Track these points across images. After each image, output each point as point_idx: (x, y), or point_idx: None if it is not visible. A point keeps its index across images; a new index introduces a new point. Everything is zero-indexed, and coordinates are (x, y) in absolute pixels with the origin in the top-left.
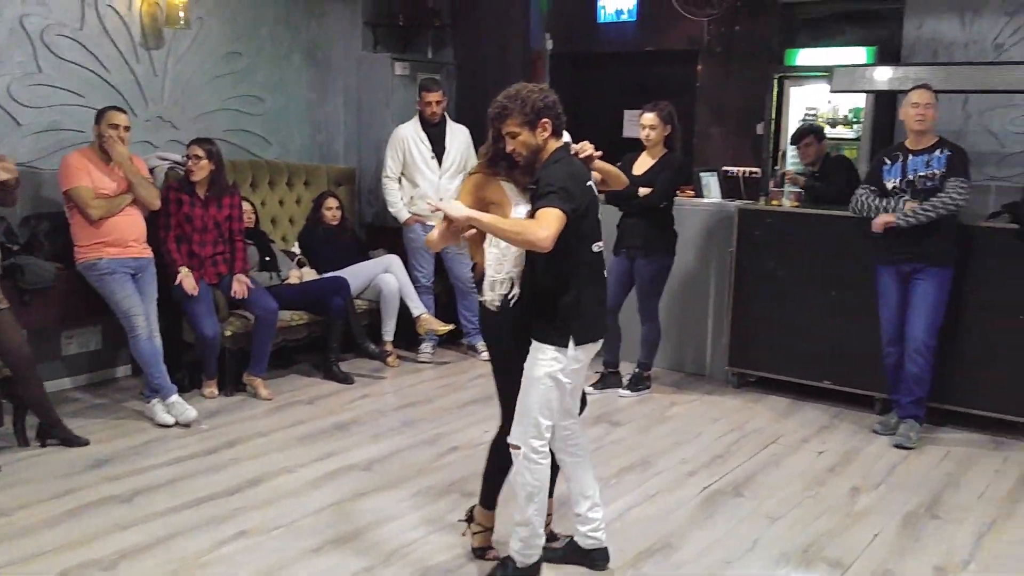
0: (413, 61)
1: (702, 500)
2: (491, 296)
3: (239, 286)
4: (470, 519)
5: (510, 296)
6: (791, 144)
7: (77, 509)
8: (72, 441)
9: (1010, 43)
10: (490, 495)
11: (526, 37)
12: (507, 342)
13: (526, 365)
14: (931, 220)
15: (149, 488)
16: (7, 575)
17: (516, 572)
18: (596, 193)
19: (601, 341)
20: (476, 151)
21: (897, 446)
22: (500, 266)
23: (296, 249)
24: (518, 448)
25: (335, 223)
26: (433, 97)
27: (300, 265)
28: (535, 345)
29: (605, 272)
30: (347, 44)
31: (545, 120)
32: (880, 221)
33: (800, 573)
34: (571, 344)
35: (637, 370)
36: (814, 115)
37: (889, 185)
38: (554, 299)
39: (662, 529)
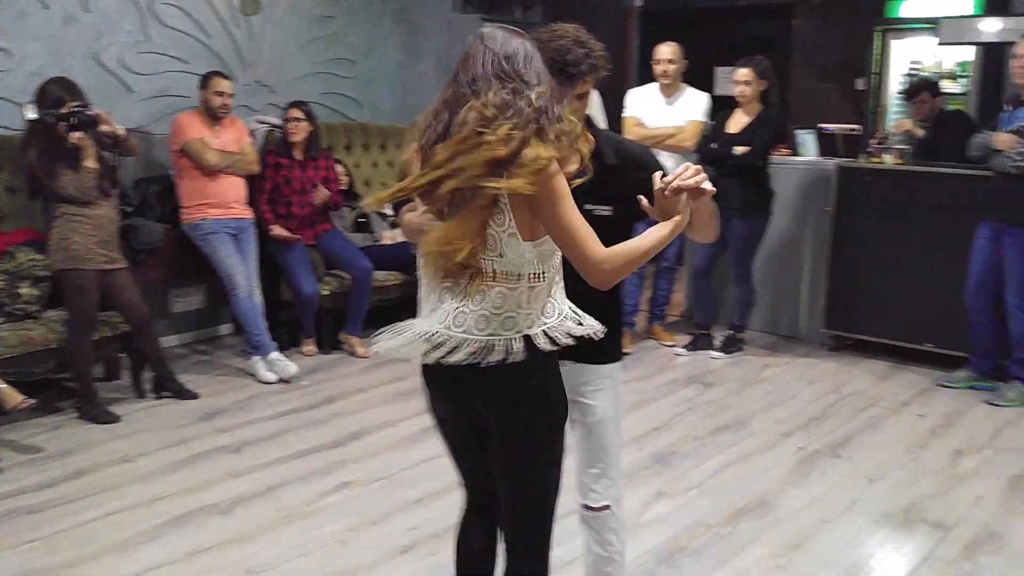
0: (503, 21)
1: (798, 460)
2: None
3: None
4: None
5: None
6: (905, 100)
7: (192, 458)
8: (184, 394)
9: None
10: None
11: None
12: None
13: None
14: None
15: (256, 440)
16: (134, 516)
17: None
18: None
19: None
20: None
21: (987, 402)
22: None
23: (389, 210)
24: (607, 507)
25: None
26: None
27: (393, 226)
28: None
29: None
30: (436, 6)
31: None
32: (1003, 137)
33: (901, 533)
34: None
35: (730, 332)
36: (918, 69)
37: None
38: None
39: (758, 487)
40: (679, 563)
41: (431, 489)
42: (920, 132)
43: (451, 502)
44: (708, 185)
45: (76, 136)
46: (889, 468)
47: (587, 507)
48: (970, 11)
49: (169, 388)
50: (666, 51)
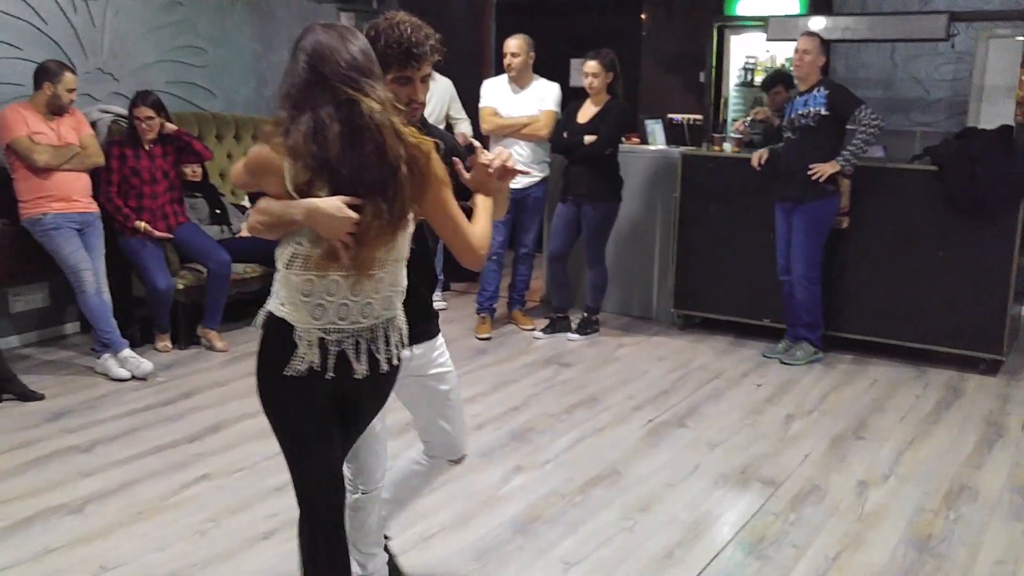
0: (358, 11)
1: (647, 432)
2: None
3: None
4: None
5: None
6: (762, 90)
7: (39, 459)
8: (27, 396)
9: None
10: None
11: None
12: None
13: (446, 371)
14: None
15: (108, 438)
16: None
17: None
18: None
19: None
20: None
21: (781, 362)
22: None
23: (247, 202)
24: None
25: None
26: None
27: None
28: (439, 342)
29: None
30: None
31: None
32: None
33: (736, 491)
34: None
35: (585, 314)
36: (754, 64)
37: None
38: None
39: (609, 457)
40: (534, 531)
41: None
42: (776, 121)
43: None
44: (520, 166)
45: None
46: (728, 434)
47: (453, 461)
48: (796, 10)
49: (10, 390)
50: (512, 44)
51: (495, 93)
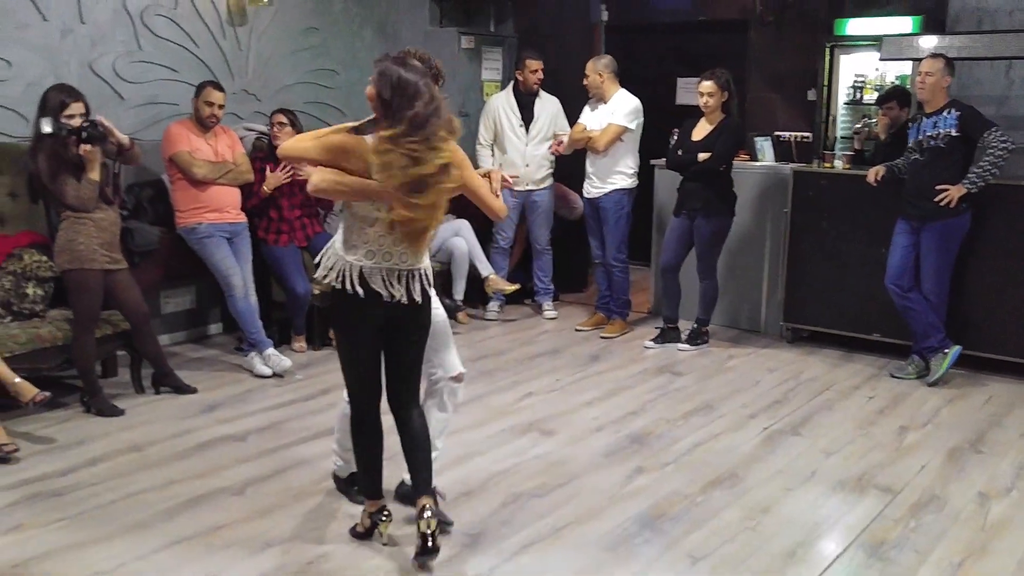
0: (477, 35)
1: (763, 439)
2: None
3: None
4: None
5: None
6: (876, 105)
7: (199, 445)
8: (183, 389)
9: None
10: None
11: (584, 9)
12: None
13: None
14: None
15: (259, 428)
16: (153, 498)
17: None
18: None
19: None
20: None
21: (891, 375)
22: None
23: None
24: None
25: None
26: (537, 65)
27: None
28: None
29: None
30: (415, 19)
31: None
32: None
33: (854, 497)
34: None
35: (696, 325)
36: (863, 82)
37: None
38: None
39: (727, 462)
40: (661, 526)
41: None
42: (884, 136)
43: (448, 479)
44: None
45: (86, 149)
46: (843, 443)
47: (453, 378)
48: (909, 29)
49: (168, 383)
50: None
51: (586, 110)
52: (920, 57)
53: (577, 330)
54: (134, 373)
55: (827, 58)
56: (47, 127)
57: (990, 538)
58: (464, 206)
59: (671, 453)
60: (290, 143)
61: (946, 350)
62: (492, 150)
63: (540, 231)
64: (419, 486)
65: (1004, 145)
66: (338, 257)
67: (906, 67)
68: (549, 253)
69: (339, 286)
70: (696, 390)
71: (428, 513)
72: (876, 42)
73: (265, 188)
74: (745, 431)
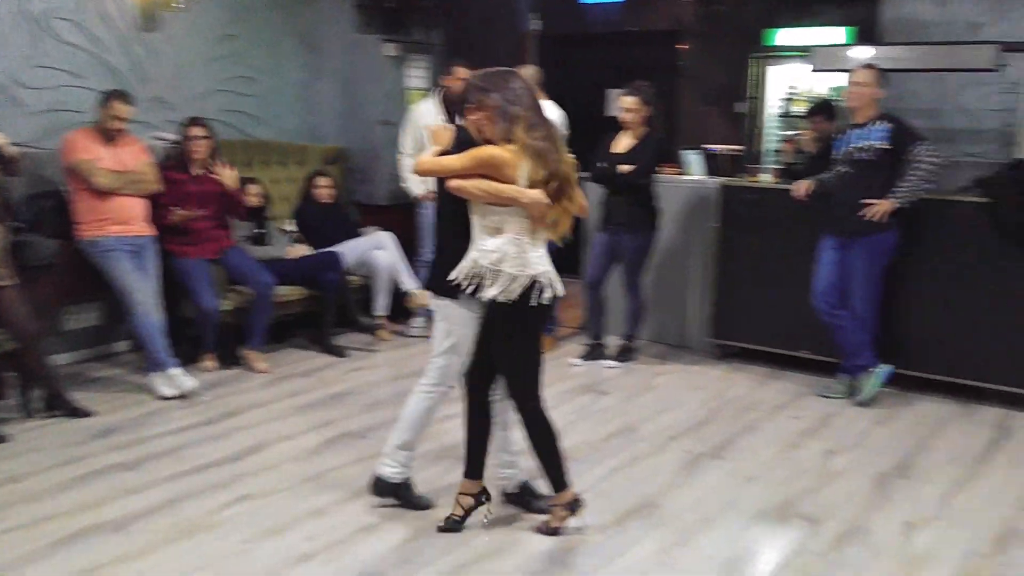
0: (403, 42)
1: (684, 463)
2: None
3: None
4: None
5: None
6: (804, 118)
7: (86, 475)
8: (77, 412)
9: (984, 22)
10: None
11: (513, 18)
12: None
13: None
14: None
15: (154, 455)
16: (21, 537)
17: None
18: None
19: None
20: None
21: (819, 395)
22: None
23: (291, 226)
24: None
25: (328, 201)
26: (467, 74)
27: (297, 241)
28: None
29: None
30: (338, 26)
31: None
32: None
33: (776, 528)
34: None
35: (622, 342)
36: (794, 94)
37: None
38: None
39: (646, 489)
40: (571, 562)
41: (331, 499)
42: (812, 149)
43: (352, 510)
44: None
45: None
46: (766, 468)
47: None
48: (841, 40)
49: (61, 406)
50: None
51: None
52: (851, 68)
53: None
54: (24, 396)
55: (755, 70)
56: None
57: (912, 571)
58: (391, 219)
59: (588, 479)
60: (430, 162)
61: (875, 369)
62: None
63: None
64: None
65: (933, 159)
66: (525, 274)
67: (840, 79)
68: None
69: (516, 297)
70: (620, 411)
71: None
72: (806, 53)
73: (173, 218)
74: (666, 454)
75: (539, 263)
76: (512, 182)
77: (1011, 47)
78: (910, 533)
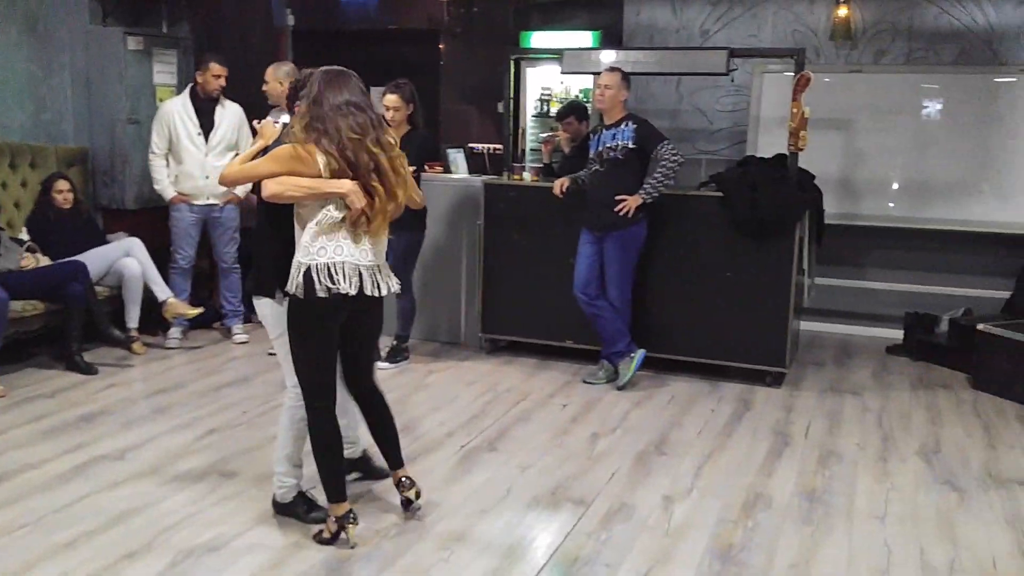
0: (147, 35)
1: (460, 458)
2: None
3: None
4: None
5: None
6: (557, 120)
7: None
8: None
9: (714, 29)
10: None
11: (268, 13)
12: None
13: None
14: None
15: None
16: None
17: None
18: None
19: None
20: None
21: (584, 381)
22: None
23: (25, 235)
24: None
25: (67, 206)
26: (221, 70)
27: (31, 251)
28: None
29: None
30: (72, 15)
31: None
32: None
33: (549, 512)
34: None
35: (395, 342)
36: (549, 95)
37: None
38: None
39: (424, 486)
40: (349, 570)
41: (84, 529)
42: (567, 149)
43: (107, 540)
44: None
45: None
46: (538, 455)
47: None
48: (590, 43)
49: None
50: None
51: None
52: (599, 71)
53: (270, 354)
54: None
55: (513, 70)
56: None
57: (674, 543)
58: (140, 224)
59: (365, 482)
60: (233, 171)
61: (632, 354)
62: (167, 160)
63: (225, 248)
64: (396, 460)
65: (675, 158)
66: (300, 264)
67: (588, 81)
68: (237, 272)
69: (300, 293)
70: (394, 412)
71: (408, 480)
72: (558, 55)
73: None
74: (442, 451)
75: (336, 254)
76: (315, 176)
77: (738, 53)
78: (669, 506)
